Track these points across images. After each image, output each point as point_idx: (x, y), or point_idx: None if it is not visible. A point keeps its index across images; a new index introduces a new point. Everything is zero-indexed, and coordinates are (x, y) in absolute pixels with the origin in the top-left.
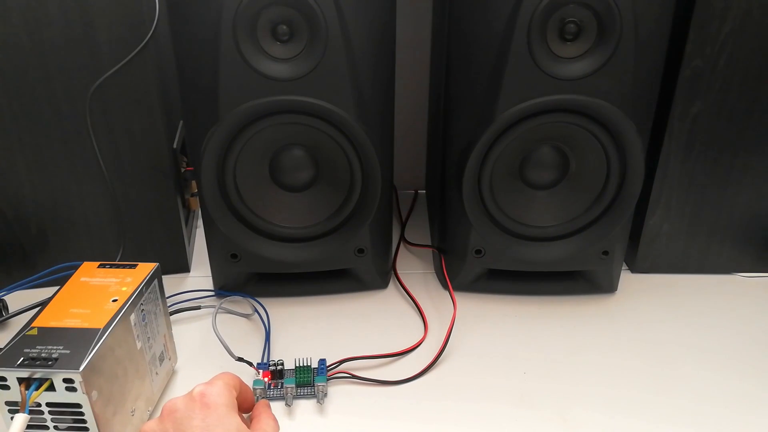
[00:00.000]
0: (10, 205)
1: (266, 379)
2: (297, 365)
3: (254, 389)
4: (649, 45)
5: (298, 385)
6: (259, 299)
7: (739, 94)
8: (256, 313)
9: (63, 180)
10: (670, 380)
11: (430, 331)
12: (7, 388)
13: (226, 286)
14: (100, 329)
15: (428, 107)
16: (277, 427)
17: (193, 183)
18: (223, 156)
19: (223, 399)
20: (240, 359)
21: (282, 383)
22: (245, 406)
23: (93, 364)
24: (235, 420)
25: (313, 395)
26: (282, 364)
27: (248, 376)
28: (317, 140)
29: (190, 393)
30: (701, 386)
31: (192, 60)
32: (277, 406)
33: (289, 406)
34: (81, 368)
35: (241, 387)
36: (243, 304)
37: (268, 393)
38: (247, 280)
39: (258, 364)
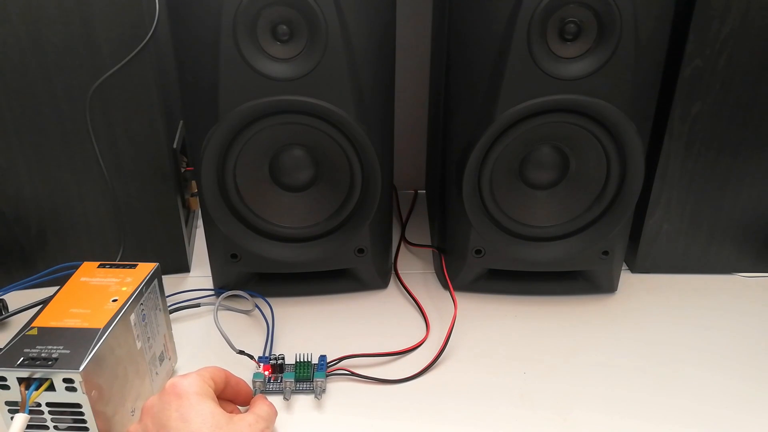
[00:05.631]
0: (10, 205)
1: (266, 373)
2: (297, 360)
3: (254, 382)
4: (649, 45)
5: (297, 380)
6: (261, 295)
7: (739, 94)
8: (256, 309)
9: (63, 180)
10: (670, 380)
11: (430, 331)
12: (7, 388)
13: (226, 286)
14: (100, 329)
15: (428, 107)
16: (274, 411)
17: (193, 183)
18: (223, 156)
19: (194, 388)
20: (241, 352)
21: (281, 377)
22: (240, 399)
23: (93, 364)
24: (207, 406)
25: (311, 390)
26: (283, 359)
27: (249, 369)
28: (317, 140)
29: (164, 388)
30: (701, 386)
31: (192, 60)
32: (275, 400)
33: (287, 400)
34: (81, 368)
35: (228, 380)
36: (243, 302)
37: (267, 386)
38: (247, 280)
39: (259, 357)
